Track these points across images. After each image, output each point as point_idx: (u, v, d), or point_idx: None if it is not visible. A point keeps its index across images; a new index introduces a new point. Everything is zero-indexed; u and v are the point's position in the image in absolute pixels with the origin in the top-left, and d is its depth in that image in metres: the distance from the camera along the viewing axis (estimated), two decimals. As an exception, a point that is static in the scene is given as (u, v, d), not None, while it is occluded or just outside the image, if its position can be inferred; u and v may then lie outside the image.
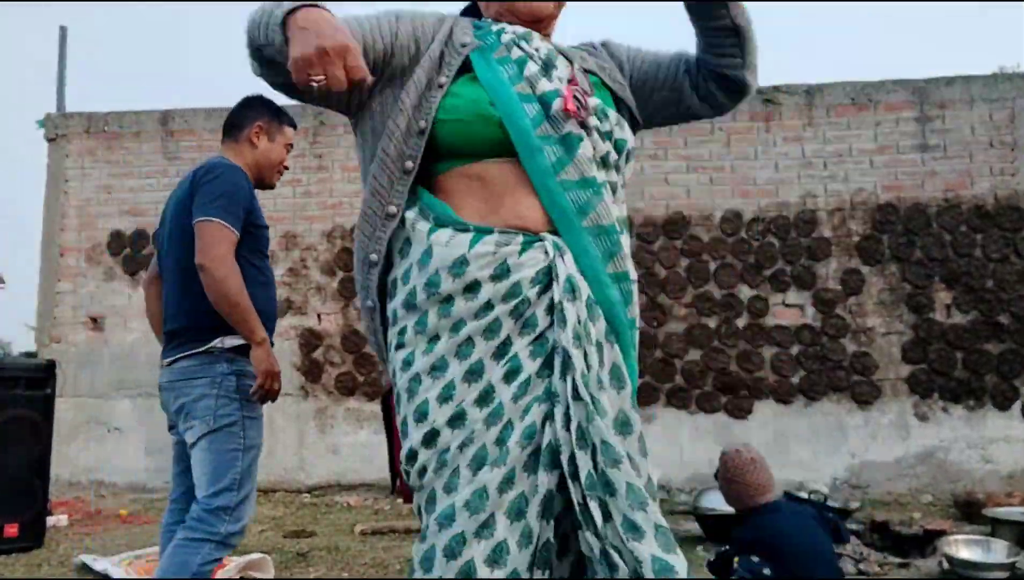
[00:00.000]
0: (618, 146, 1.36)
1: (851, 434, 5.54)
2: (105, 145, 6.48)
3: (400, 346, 1.30)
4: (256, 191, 2.56)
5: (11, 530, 3.90)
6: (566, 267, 1.25)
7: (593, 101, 1.34)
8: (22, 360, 4.45)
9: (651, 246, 5.85)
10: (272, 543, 4.20)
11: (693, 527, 4.42)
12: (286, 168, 2.72)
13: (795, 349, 5.64)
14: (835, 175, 5.79)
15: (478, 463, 1.18)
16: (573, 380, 1.18)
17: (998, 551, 3.40)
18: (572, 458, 1.16)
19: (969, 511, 4.54)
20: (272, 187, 2.76)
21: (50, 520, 4.38)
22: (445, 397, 1.22)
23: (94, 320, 6.27)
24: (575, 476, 1.16)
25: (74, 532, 4.49)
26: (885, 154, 5.75)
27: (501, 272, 1.24)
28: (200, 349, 2.27)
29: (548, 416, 1.19)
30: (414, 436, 1.24)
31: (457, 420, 1.21)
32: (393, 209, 1.31)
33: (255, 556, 3.53)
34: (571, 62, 1.41)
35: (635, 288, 1.35)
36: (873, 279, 5.66)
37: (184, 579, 2.08)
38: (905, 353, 5.56)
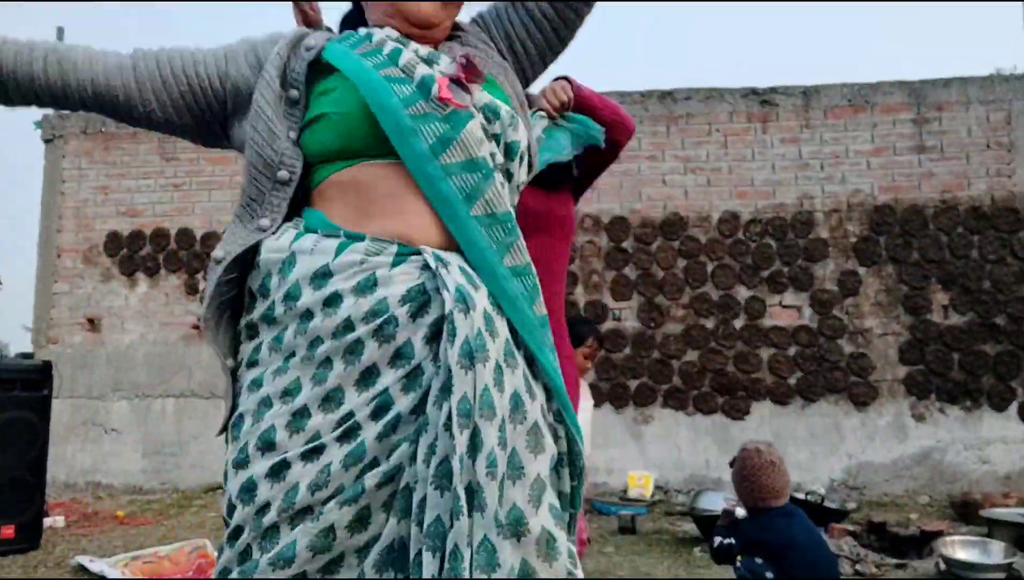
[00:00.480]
0: (511, 148, 1.20)
1: (848, 435, 5.55)
2: (102, 146, 6.47)
3: (253, 364, 1.16)
4: None
5: (8, 531, 3.89)
6: (453, 277, 1.07)
7: (479, 92, 1.18)
8: (19, 361, 4.43)
9: (648, 247, 5.85)
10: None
11: (691, 528, 4.42)
12: None
13: (792, 350, 5.65)
14: (832, 176, 5.80)
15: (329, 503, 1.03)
16: (450, 409, 1.00)
17: (995, 552, 3.41)
18: (422, 502, 1.00)
19: (966, 512, 4.55)
20: None
21: (47, 521, 4.37)
22: (297, 427, 1.06)
23: (91, 321, 6.26)
24: (420, 523, 1.00)
25: (71, 533, 4.48)
26: (882, 155, 5.76)
27: (366, 285, 1.07)
28: None
29: (408, 456, 1.03)
30: (257, 467, 1.06)
31: (313, 454, 1.04)
32: (266, 222, 1.17)
33: (252, 557, 3.52)
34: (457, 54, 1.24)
35: (536, 281, 1.17)
36: (870, 280, 5.67)
37: None
38: (902, 354, 5.57)
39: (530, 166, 1.28)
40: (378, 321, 1.06)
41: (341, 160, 1.16)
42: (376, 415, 1.05)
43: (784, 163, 5.84)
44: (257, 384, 1.13)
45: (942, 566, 3.41)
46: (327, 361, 1.07)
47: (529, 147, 1.26)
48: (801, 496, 4.11)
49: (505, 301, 1.11)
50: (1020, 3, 6.50)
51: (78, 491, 5.95)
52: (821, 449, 5.55)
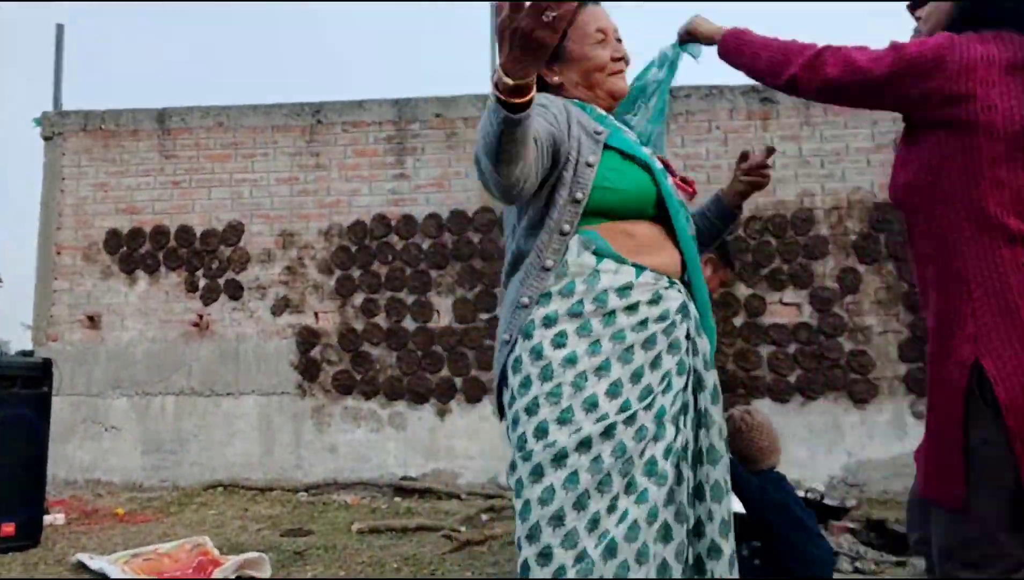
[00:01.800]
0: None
1: (848, 432, 5.55)
2: (102, 143, 6.47)
3: (559, 346, 1.48)
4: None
5: (8, 529, 3.89)
6: (694, 310, 1.58)
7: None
8: (18, 359, 4.43)
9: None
10: (269, 542, 4.19)
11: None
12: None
13: (792, 348, 5.65)
14: (832, 174, 5.80)
15: (648, 466, 1.43)
16: (702, 397, 1.52)
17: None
18: (695, 453, 1.51)
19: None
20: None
21: (47, 519, 4.37)
22: (613, 393, 1.44)
23: (91, 318, 6.26)
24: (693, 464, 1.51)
25: (71, 531, 4.48)
26: (882, 153, 5.76)
27: (656, 298, 1.52)
28: None
29: (684, 423, 1.49)
30: (586, 425, 1.41)
31: (630, 418, 1.43)
32: (549, 263, 1.52)
33: (252, 555, 3.53)
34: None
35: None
36: (870, 278, 5.66)
37: None
38: (902, 352, 5.57)
39: None
40: (665, 323, 1.51)
41: (614, 217, 1.56)
42: (664, 389, 1.48)
43: (784, 160, 5.84)
44: (571, 361, 1.45)
45: (942, 564, 3.41)
46: (630, 348, 1.47)
47: None
48: (801, 493, 4.11)
49: (709, 333, 1.61)
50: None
51: (78, 488, 5.95)
52: (821, 446, 5.55)
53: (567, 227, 1.53)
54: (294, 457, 5.99)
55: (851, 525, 3.99)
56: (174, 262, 6.25)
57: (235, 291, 6.16)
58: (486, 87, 6.31)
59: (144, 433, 6.11)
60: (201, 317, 6.17)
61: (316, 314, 6.09)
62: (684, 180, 1.70)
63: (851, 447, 5.54)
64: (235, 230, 6.24)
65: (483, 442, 5.82)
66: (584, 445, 1.40)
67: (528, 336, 1.49)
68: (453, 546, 3.95)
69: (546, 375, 1.45)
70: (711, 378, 1.55)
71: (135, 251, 6.29)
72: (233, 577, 3.37)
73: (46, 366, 4.19)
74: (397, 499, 5.51)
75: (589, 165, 1.54)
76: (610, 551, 1.35)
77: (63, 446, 5.98)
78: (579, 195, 1.52)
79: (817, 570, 2.52)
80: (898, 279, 5.62)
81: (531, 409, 1.44)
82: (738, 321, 5.70)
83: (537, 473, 1.41)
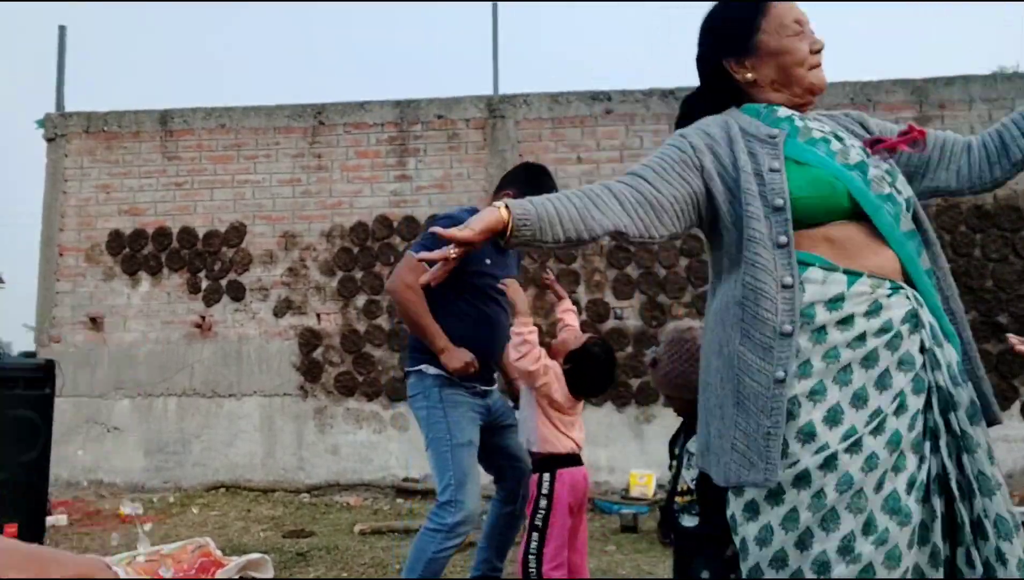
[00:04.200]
0: (908, 203, 1.49)
1: None
2: (104, 145, 6.48)
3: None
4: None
5: (10, 530, 3.89)
6: (927, 316, 1.40)
7: (885, 165, 1.49)
8: (21, 360, 4.44)
9: (650, 246, 5.85)
10: (271, 543, 4.20)
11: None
12: None
13: None
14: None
15: (889, 501, 1.29)
16: (956, 417, 1.34)
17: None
18: (958, 484, 1.32)
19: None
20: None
21: (49, 520, 4.38)
22: (833, 420, 1.32)
23: (93, 320, 6.27)
24: (961, 497, 1.32)
25: (73, 532, 4.49)
26: (884, 154, 5.74)
27: (874, 309, 1.37)
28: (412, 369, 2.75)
29: (932, 450, 1.34)
30: (804, 457, 1.31)
31: (854, 446, 1.30)
32: (789, 280, 1.39)
33: (254, 556, 3.53)
34: (847, 132, 1.57)
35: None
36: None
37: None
38: None
39: None
40: (887, 336, 1.35)
41: (811, 224, 1.43)
42: (897, 412, 1.32)
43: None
44: (780, 383, 1.35)
45: (944, 565, 3.40)
46: (847, 368, 1.34)
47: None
48: None
49: (950, 335, 1.43)
50: (1022, 2, 6.47)
51: (80, 490, 5.96)
52: None
53: (783, 239, 1.40)
54: (296, 458, 5.99)
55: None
56: (176, 263, 6.26)
57: (237, 292, 6.17)
58: (488, 88, 6.32)
59: (146, 434, 6.11)
60: (203, 318, 6.18)
61: (318, 315, 6.10)
62: (906, 133, 1.51)
63: None
64: (237, 231, 6.24)
65: (485, 443, 5.81)
66: (802, 480, 1.29)
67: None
68: (455, 547, 3.94)
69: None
70: (964, 394, 1.36)
71: (137, 252, 6.30)
72: (236, 578, 3.37)
73: (48, 367, 4.19)
74: (399, 500, 5.51)
75: (774, 171, 1.44)
76: None
77: (65, 447, 5.98)
78: (779, 202, 1.41)
79: None
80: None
81: None
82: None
83: (751, 510, 1.33)
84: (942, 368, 1.35)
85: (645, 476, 5.46)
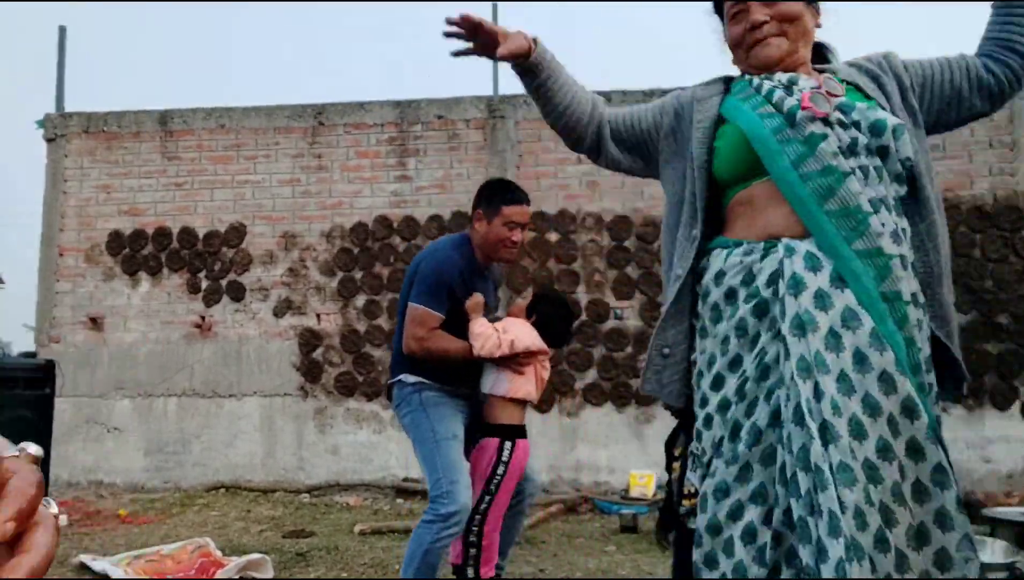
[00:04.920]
0: (876, 127, 1.48)
1: None
2: (104, 145, 6.48)
3: (694, 349, 1.64)
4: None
5: (10, 530, 3.89)
6: (792, 265, 1.43)
7: (836, 99, 1.51)
8: (21, 360, 4.45)
9: (650, 246, 5.85)
10: (271, 543, 4.20)
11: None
12: (514, 242, 2.89)
13: None
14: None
15: (734, 451, 1.46)
16: (791, 366, 1.37)
17: (997, 551, 3.40)
18: (789, 436, 1.37)
19: (968, 511, 4.53)
20: (509, 261, 3.01)
21: (49, 520, 4.37)
22: (716, 386, 1.52)
23: (93, 320, 6.27)
24: (790, 451, 1.37)
25: (73, 532, 4.49)
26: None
27: (747, 278, 1.50)
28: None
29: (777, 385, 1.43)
30: (698, 418, 1.56)
31: (723, 406, 1.49)
32: (696, 233, 1.62)
33: (254, 556, 3.53)
34: (819, 78, 1.60)
35: (896, 262, 1.44)
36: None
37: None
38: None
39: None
40: (754, 301, 1.47)
41: (737, 183, 1.59)
42: (756, 366, 1.45)
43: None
44: (693, 363, 1.62)
45: (944, 565, 3.40)
46: (727, 338, 1.51)
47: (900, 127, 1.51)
48: None
49: (849, 277, 1.41)
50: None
51: (80, 490, 5.96)
52: None
53: (702, 195, 1.64)
54: (296, 458, 5.99)
55: None
56: (176, 264, 6.26)
57: (237, 292, 6.17)
58: (488, 88, 6.32)
59: (146, 434, 6.11)
60: (203, 318, 6.18)
61: (318, 315, 6.10)
62: (820, 95, 1.52)
63: None
64: (237, 232, 6.24)
65: (485, 443, 5.82)
66: (698, 434, 1.56)
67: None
68: (455, 547, 3.94)
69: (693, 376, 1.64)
70: (800, 345, 1.37)
71: (137, 253, 6.30)
72: (235, 578, 3.37)
73: (48, 368, 4.20)
74: (399, 500, 5.51)
75: (702, 136, 1.64)
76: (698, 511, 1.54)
77: (65, 447, 5.98)
78: (704, 159, 1.64)
79: None
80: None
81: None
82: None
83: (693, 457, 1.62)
84: (787, 317, 1.40)
85: (645, 476, 5.45)
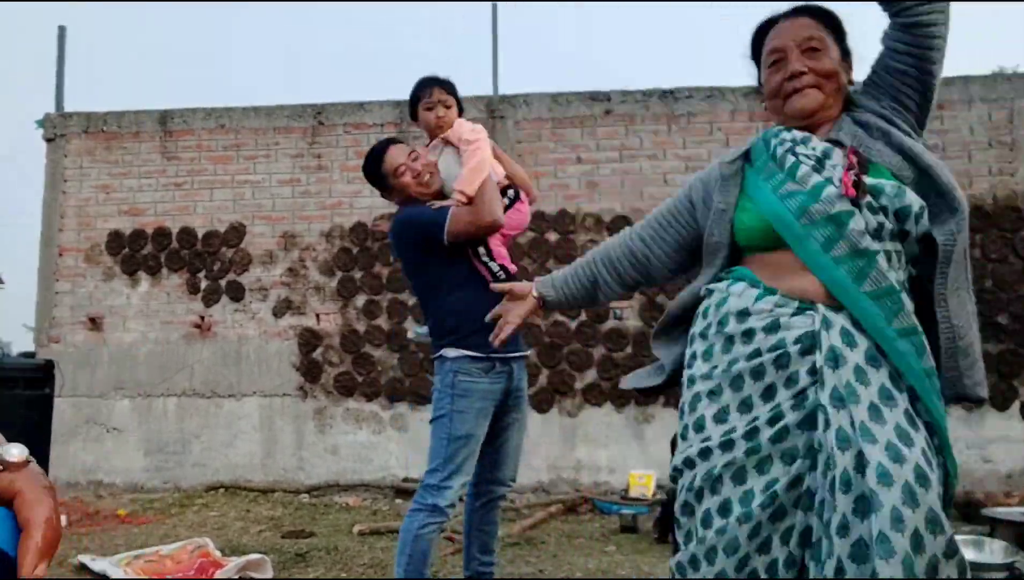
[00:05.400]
0: (902, 213, 1.51)
1: None
2: (104, 145, 6.47)
3: (689, 366, 1.63)
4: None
5: (9, 530, 3.89)
6: (830, 338, 1.45)
7: (867, 179, 1.51)
8: (21, 360, 4.45)
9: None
10: (271, 543, 4.20)
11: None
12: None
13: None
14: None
15: (747, 495, 1.46)
16: (832, 437, 1.37)
17: (997, 551, 3.40)
18: (822, 502, 1.38)
19: (968, 511, 4.55)
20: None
21: (48, 520, 4.37)
22: (720, 419, 1.52)
23: (93, 320, 6.27)
24: (820, 517, 1.39)
25: (72, 532, 4.49)
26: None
27: (772, 326, 1.50)
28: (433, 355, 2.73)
29: (807, 467, 1.43)
30: (694, 445, 1.55)
31: (727, 443, 1.49)
32: (702, 293, 1.70)
33: (254, 556, 3.53)
34: (844, 148, 1.59)
35: (925, 341, 1.48)
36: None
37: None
38: None
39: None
40: (777, 353, 1.48)
41: (757, 250, 1.62)
42: (772, 422, 1.45)
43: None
44: (691, 381, 1.60)
45: (944, 565, 3.39)
46: (740, 376, 1.51)
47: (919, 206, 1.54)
48: None
49: (894, 357, 1.44)
50: (1022, 3, 6.47)
51: (80, 490, 5.95)
52: None
53: (723, 253, 1.70)
54: (296, 459, 5.99)
55: None
56: (176, 264, 6.26)
57: (237, 293, 6.16)
58: (487, 88, 6.32)
59: (146, 435, 6.11)
60: (203, 319, 6.17)
61: (318, 316, 6.09)
62: (857, 177, 1.53)
63: None
64: (237, 232, 6.24)
65: (485, 444, 5.82)
66: (687, 463, 1.56)
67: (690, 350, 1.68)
68: (454, 548, 3.94)
69: (684, 392, 1.64)
70: (841, 417, 1.39)
71: (137, 253, 6.30)
72: (235, 578, 3.37)
73: (48, 368, 4.20)
74: (399, 501, 5.51)
75: (723, 210, 1.69)
76: (686, 542, 1.54)
77: (65, 447, 5.98)
78: (719, 235, 1.69)
79: None
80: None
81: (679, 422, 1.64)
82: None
83: (674, 478, 1.62)
84: (825, 388, 1.41)
85: (645, 476, 5.45)
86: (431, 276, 2.69)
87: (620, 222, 5.88)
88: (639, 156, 5.93)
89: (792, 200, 1.54)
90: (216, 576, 3.36)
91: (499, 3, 6.39)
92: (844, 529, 1.33)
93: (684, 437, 1.58)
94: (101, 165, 6.45)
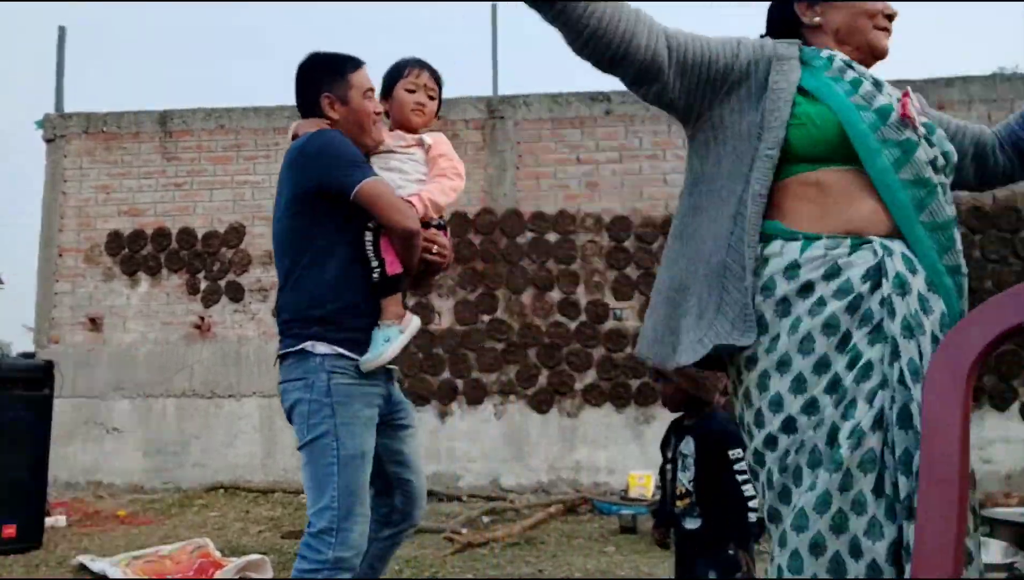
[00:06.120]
0: (947, 156, 1.49)
1: None
2: (104, 145, 6.48)
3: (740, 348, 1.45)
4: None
5: (9, 531, 3.89)
6: (895, 265, 1.37)
7: (922, 117, 1.49)
8: (20, 361, 4.43)
9: (650, 246, 5.85)
10: (270, 544, 4.20)
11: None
12: (378, 114, 2.20)
13: None
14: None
15: (828, 448, 1.32)
16: (900, 368, 1.31)
17: (996, 552, 3.40)
18: (893, 439, 1.30)
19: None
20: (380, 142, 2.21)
21: (48, 521, 4.38)
22: (797, 389, 1.37)
23: (92, 321, 6.27)
24: (893, 453, 1.30)
25: (72, 533, 4.49)
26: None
27: (832, 271, 1.38)
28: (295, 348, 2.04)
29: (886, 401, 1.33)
30: (773, 423, 1.38)
31: (810, 407, 1.35)
32: (763, 192, 1.45)
33: (254, 557, 3.53)
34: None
35: (966, 282, 1.45)
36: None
37: None
38: None
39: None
40: (849, 298, 1.36)
41: (808, 161, 1.45)
42: (851, 365, 1.34)
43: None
44: (752, 361, 1.42)
45: (944, 566, 3.39)
46: (809, 336, 1.37)
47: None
48: None
49: (942, 292, 1.40)
50: (1022, 3, 6.48)
51: (79, 490, 5.95)
52: None
53: (775, 152, 1.44)
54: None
55: None
56: (176, 264, 6.26)
57: (236, 293, 6.16)
58: (487, 89, 6.32)
59: (146, 435, 6.11)
60: (203, 319, 6.17)
61: (317, 316, 6.09)
62: (915, 106, 1.48)
63: None
64: (236, 232, 6.24)
65: (484, 444, 5.82)
66: (769, 442, 1.39)
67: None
68: (454, 548, 3.95)
69: (741, 380, 1.46)
70: (911, 347, 1.33)
71: (137, 253, 6.30)
72: (235, 579, 3.37)
73: (47, 368, 4.19)
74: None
75: (783, 90, 1.47)
76: (781, 543, 1.36)
77: (65, 448, 5.98)
78: (778, 124, 1.45)
79: None
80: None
81: (741, 414, 1.48)
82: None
83: (754, 473, 1.47)
84: (896, 317, 1.34)
85: (644, 477, 5.45)
86: (318, 235, 2.06)
87: (620, 222, 5.88)
88: (639, 156, 5.93)
89: (864, 112, 1.44)
90: (216, 576, 3.36)
91: (499, 3, 6.40)
92: (907, 466, 1.28)
93: (760, 425, 1.40)
94: (101, 165, 6.45)
